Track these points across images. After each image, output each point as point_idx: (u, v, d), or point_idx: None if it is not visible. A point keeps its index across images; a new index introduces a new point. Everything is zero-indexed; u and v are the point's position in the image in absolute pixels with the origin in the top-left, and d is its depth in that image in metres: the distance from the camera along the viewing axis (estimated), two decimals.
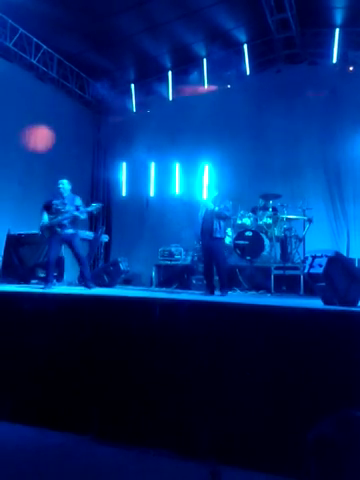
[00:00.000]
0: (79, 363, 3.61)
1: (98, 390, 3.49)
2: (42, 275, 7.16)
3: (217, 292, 5.62)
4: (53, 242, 5.85)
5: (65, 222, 5.75)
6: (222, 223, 5.65)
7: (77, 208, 5.84)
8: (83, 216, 5.93)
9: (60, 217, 5.74)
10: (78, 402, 3.53)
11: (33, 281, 7.16)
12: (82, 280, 6.21)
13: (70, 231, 5.80)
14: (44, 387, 3.67)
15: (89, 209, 6.01)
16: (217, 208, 5.53)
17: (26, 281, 7.07)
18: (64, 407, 3.54)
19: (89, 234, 8.35)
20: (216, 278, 5.82)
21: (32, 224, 7.98)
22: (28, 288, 5.80)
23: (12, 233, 7.51)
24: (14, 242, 7.41)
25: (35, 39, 8.92)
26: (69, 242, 5.87)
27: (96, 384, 3.51)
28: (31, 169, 9.01)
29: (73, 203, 5.86)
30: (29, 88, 9.12)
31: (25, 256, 7.31)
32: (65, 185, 5.93)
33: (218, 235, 5.56)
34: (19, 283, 6.90)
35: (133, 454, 3.08)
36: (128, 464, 2.98)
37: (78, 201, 5.92)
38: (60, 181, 5.96)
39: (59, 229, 5.75)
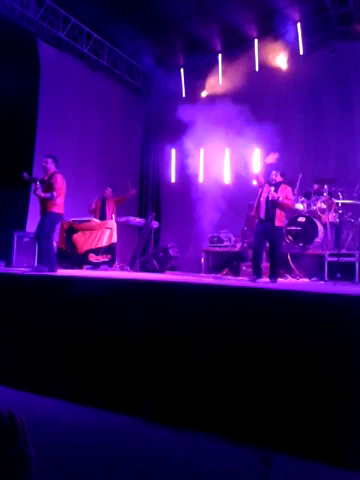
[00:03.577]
0: (133, 346, 3.68)
1: (151, 373, 3.54)
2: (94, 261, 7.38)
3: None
4: None
5: None
6: (283, 212, 5.63)
7: None
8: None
9: None
10: (131, 384, 3.60)
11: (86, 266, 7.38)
12: (132, 265, 6.30)
13: None
14: (98, 368, 3.77)
15: None
16: (281, 198, 5.50)
17: (79, 266, 7.29)
18: (117, 389, 3.63)
19: (139, 221, 8.47)
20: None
21: (85, 211, 8.21)
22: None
23: (66, 220, 7.75)
24: (67, 229, 7.64)
25: (86, 28, 9.05)
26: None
27: (149, 367, 3.56)
28: (83, 156, 9.22)
29: None
30: (80, 76, 9.29)
31: (78, 242, 7.52)
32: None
33: (280, 223, 5.54)
34: (73, 268, 7.13)
35: (184, 437, 3.11)
36: (179, 446, 3.01)
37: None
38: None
39: None
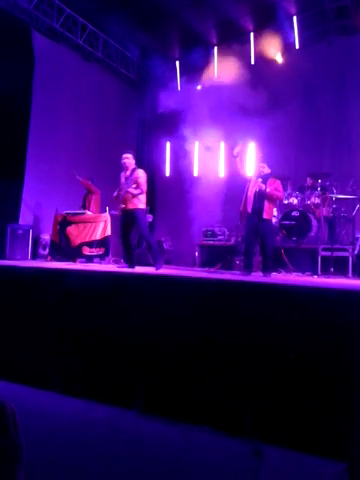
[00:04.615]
0: (127, 339, 3.68)
1: (143, 366, 3.55)
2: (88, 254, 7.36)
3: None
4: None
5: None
6: (272, 204, 5.60)
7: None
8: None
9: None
10: (124, 377, 3.60)
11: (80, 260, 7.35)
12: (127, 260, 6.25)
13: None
14: (92, 361, 3.77)
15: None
16: (269, 189, 5.46)
17: (72, 259, 7.26)
18: (110, 381, 3.63)
19: None
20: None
21: (78, 203, 8.18)
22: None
23: (59, 212, 7.72)
24: (61, 221, 7.60)
25: (81, 19, 8.95)
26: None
27: (142, 360, 3.57)
28: (77, 149, 9.16)
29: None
30: (75, 68, 9.20)
31: (71, 235, 7.49)
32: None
33: (267, 216, 5.49)
34: (66, 261, 7.10)
35: (176, 429, 3.12)
36: (171, 439, 3.03)
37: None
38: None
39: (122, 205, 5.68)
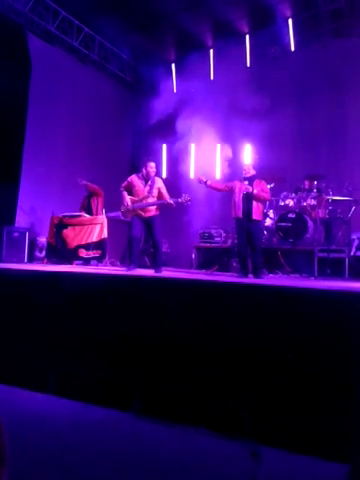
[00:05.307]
0: (124, 341, 3.67)
1: (141, 367, 3.54)
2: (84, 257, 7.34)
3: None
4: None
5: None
6: (260, 205, 5.62)
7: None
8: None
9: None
10: (121, 379, 3.59)
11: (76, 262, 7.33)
12: (123, 260, 6.30)
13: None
14: (88, 363, 3.76)
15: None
16: (255, 191, 5.50)
17: (69, 262, 7.24)
18: (108, 383, 3.62)
19: None
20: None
21: (75, 206, 8.16)
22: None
23: (56, 215, 7.69)
24: (57, 224, 7.58)
25: (77, 22, 8.96)
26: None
27: (139, 361, 3.55)
28: (73, 151, 9.15)
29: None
30: (71, 71, 9.20)
31: (68, 237, 7.47)
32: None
33: (257, 217, 5.53)
34: (62, 264, 7.08)
35: (174, 431, 3.11)
36: (169, 441, 3.02)
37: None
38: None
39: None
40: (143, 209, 5.76)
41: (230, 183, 5.89)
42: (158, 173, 7.93)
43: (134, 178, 5.91)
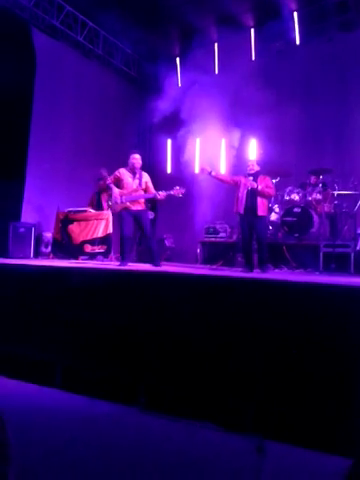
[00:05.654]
0: (129, 335, 3.69)
1: (146, 362, 3.56)
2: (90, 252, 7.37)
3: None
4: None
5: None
6: (265, 200, 5.64)
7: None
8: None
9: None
10: (127, 373, 3.62)
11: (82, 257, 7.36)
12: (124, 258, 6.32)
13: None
14: (94, 358, 3.78)
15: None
16: (260, 186, 5.51)
17: (75, 257, 7.27)
18: (113, 378, 3.65)
19: None
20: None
21: (80, 201, 8.18)
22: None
23: (61, 210, 7.72)
24: (63, 219, 7.61)
25: (81, 16, 8.93)
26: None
27: (145, 357, 3.57)
28: (78, 147, 9.15)
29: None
30: (76, 66, 9.19)
31: (73, 233, 7.50)
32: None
33: (262, 213, 5.55)
34: (68, 259, 7.11)
35: (180, 426, 3.13)
36: (175, 435, 3.04)
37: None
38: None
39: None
40: (132, 202, 5.77)
41: (236, 177, 5.90)
42: (161, 168, 7.93)
43: (122, 171, 5.91)
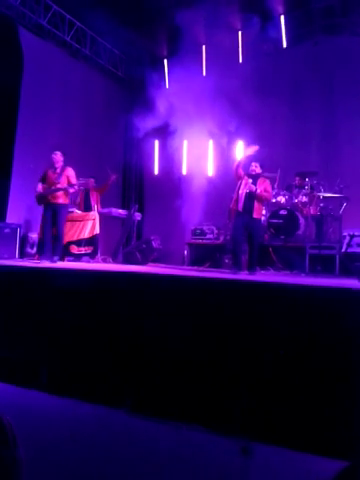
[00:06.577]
0: (115, 337, 3.66)
1: (133, 364, 3.54)
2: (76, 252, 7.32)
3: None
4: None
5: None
6: (261, 204, 5.68)
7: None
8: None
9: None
10: (113, 375, 3.59)
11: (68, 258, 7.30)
12: (115, 256, 6.46)
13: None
14: (80, 360, 3.75)
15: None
16: (259, 190, 5.54)
17: (60, 258, 7.20)
18: (99, 380, 3.62)
19: (122, 212, 8.41)
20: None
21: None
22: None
23: None
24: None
25: (68, 16, 8.88)
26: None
27: (131, 358, 3.55)
28: (65, 147, 9.06)
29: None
30: (63, 65, 9.12)
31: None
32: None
33: (257, 216, 5.59)
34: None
35: (166, 428, 3.12)
36: (161, 437, 3.03)
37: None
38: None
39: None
40: (52, 195, 6.17)
41: (241, 172, 5.84)
42: (150, 169, 7.87)
43: (48, 168, 6.39)
